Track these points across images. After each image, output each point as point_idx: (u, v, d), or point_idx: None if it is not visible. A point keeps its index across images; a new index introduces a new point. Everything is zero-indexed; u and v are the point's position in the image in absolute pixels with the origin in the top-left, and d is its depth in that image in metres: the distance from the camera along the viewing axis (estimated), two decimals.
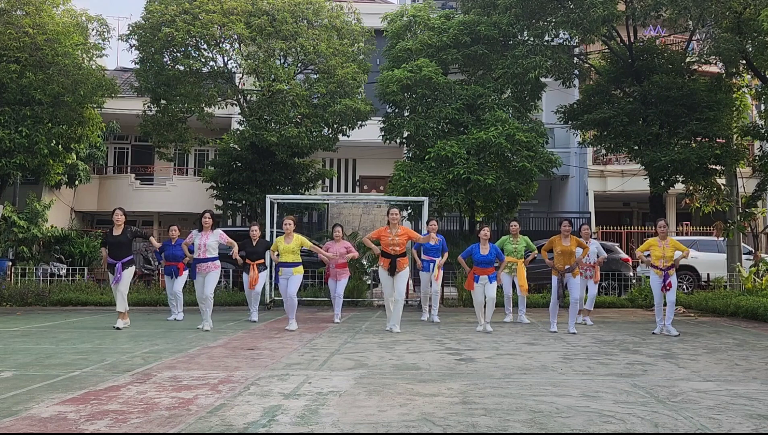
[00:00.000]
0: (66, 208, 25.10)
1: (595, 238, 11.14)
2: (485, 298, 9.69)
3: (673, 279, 9.83)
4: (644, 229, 22.84)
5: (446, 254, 11.46)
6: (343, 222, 20.87)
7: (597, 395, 5.24)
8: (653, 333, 9.73)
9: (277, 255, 10.07)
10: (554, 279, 9.99)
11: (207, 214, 9.90)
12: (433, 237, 10.85)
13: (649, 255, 10.03)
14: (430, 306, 11.60)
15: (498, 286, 10.08)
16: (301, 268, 9.98)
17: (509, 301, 11.58)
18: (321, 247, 11.04)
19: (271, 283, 13.92)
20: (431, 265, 11.28)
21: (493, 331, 9.66)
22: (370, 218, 24.02)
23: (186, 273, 11.59)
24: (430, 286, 11.39)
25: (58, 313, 13.03)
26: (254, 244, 11.23)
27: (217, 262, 9.88)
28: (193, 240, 9.89)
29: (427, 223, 11.87)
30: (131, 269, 10.01)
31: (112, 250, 9.90)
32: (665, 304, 9.88)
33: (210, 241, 9.73)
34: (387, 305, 9.88)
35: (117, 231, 9.91)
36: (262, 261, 11.34)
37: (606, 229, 23.49)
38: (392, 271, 9.55)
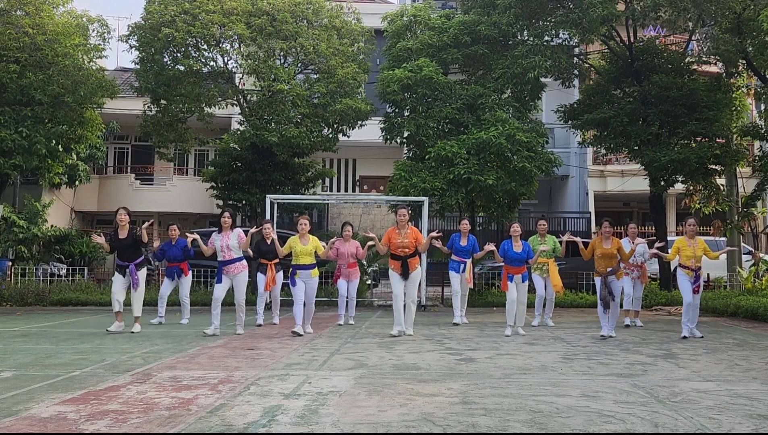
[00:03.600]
0: (66, 208, 25.10)
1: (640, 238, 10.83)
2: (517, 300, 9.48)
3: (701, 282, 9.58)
4: (644, 229, 22.84)
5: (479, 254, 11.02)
6: (343, 222, 20.82)
7: (597, 395, 5.24)
8: (684, 337, 9.17)
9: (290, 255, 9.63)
10: (597, 281, 9.61)
11: (226, 215, 9.44)
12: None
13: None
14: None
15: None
16: (317, 270, 9.54)
17: (541, 303, 11.14)
18: (327, 247, 10.28)
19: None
20: (461, 266, 10.96)
21: (526, 334, 9.42)
22: (370, 218, 24.02)
23: (191, 274, 11.22)
24: (460, 286, 11.07)
25: (58, 313, 13.04)
26: (269, 243, 10.64)
27: (245, 262, 9.46)
28: (215, 243, 9.33)
29: (460, 222, 11.52)
30: (145, 271, 9.72)
31: (121, 253, 9.56)
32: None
33: (232, 241, 9.27)
34: (396, 308, 9.23)
35: (122, 233, 9.55)
36: (278, 260, 10.82)
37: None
38: (405, 274, 9.15)
